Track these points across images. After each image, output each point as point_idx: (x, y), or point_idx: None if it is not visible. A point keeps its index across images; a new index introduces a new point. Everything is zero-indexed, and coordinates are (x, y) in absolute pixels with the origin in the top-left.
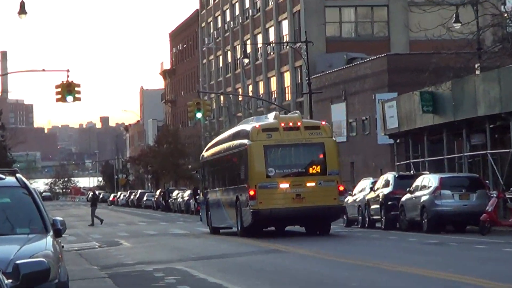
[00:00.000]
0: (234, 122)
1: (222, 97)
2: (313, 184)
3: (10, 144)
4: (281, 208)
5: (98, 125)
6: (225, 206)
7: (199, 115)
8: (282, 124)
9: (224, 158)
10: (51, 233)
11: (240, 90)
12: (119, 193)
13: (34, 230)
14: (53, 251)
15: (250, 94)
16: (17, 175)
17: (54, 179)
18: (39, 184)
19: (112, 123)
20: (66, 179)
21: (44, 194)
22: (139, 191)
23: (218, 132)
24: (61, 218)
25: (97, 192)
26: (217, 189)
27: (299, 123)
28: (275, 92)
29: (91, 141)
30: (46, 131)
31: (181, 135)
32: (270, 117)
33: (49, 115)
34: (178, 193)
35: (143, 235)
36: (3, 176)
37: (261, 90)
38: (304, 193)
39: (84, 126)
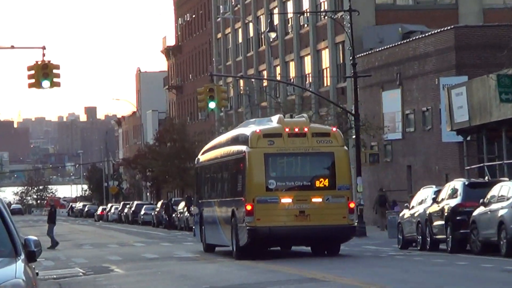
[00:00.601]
0: (257, 114)
1: (241, 82)
2: (319, 199)
3: None
4: (282, 227)
5: (83, 117)
6: (220, 221)
7: (212, 105)
8: (287, 129)
9: (220, 165)
10: (23, 256)
11: (264, 73)
12: (109, 205)
13: (0, 252)
14: (25, 280)
15: (278, 78)
16: None
17: (25, 187)
18: (7, 194)
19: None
20: (41, 187)
21: (13, 206)
22: (135, 202)
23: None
24: (35, 238)
25: (76, 205)
26: (212, 200)
27: (306, 129)
28: (310, 75)
29: (73, 138)
30: (15, 125)
31: (189, 131)
32: (274, 121)
33: (19, 105)
34: (185, 205)
35: (141, 259)
36: None
37: (292, 73)
38: (309, 210)
39: (65, 119)
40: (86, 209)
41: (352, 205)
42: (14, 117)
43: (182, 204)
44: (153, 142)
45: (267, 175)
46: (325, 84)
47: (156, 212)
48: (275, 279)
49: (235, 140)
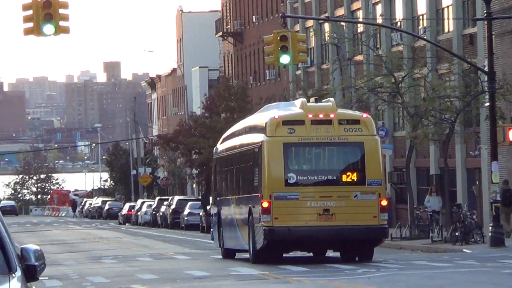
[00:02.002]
0: (348, 72)
1: (327, 27)
2: (346, 196)
3: None
4: (303, 227)
5: (101, 77)
6: (237, 222)
7: (285, 59)
8: (310, 116)
9: (237, 157)
10: (19, 273)
11: (359, 13)
12: (139, 202)
13: None
14: None
15: (379, 20)
16: None
17: (21, 176)
18: None
19: (125, 74)
20: (42, 176)
21: (3, 203)
22: (176, 198)
23: (320, 91)
24: (36, 247)
25: (93, 201)
26: (230, 197)
27: (332, 115)
28: (423, 17)
29: (87, 107)
30: (6, 88)
31: (253, 96)
32: (297, 105)
33: (12, 60)
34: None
35: (184, 279)
36: None
37: (399, 14)
38: (334, 208)
39: (76, 80)
40: (106, 207)
41: (384, 202)
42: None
43: None
44: (202, 112)
45: (286, 168)
46: (446, 30)
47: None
48: None
49: (252, 128)
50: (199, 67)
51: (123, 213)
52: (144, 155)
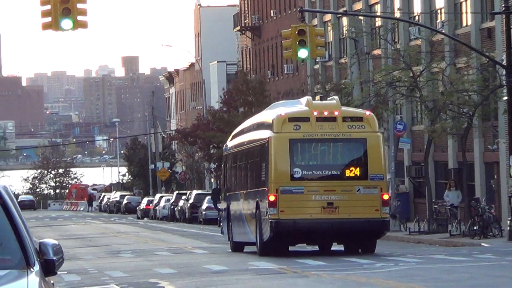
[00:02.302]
0: (366, 66)
1: (345, 21)
2: (350, 190)
3: None
4: (308, 220)
5: (119, 72)
6: (245, 215)
7: (303, 53)
8: (315, 113)
9: (246, 153)
10: (37, 267)
11: (377, 7)
12: (157, 196)
13: (5, 262)
14: None
15: (397, 15)
16: None
17: (39, 170)
18: (13, 180)
19: (143, 69)
20: (61, 170)
21: (22, 198)
22: (194, 192)
23: (338, 85)
24: (54, 242)
25: (111, 195)
26: (238, 192)
27: (336, 112)
28: (441, 11)
29: (106, 101)
30: (24, 82)
31: (271, 90)
32: (303, 103)
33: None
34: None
35: (202, 273)
36: None
37: (417, 8)
38: (338, 201)
39: (94, 75)
40: (125, 201)
41: (386, 196)
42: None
43: None
44: (220, 107)
45: (292, 163)
46: (464, 24)
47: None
48: None
49: (260, 125)
50: (217, 62)
51: (141, 208)
52: (162, 150)
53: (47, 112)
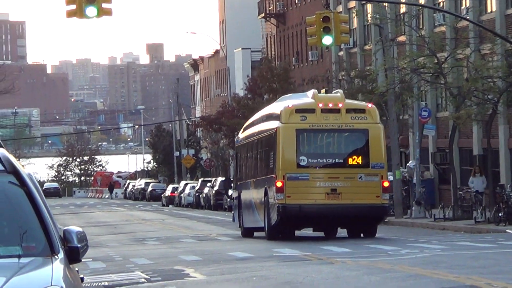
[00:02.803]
0: (390, 53)
1: (369, 8)
2: (352, 178)
3: None
4: (313, 205)
5: (144, 59)
6: (255, 202)
7: (327, 40)
8: (320, 105)
9: (256, 143)
10: (62, 255)
11: None
12: (182, 183)
13: (30, 249)
14: None
15: (421, 1)
16: None
17: (64, 158)
18: (38, 168)
19: (168, 56)
20: (86, 158)
21: (47, 185)
22: (219, 179)
23: (363, 72)
24: (79, 229)
25: (136, 183)
26: (248, 180)
27: (340, 104)
28: None
29: (130, 89)
30: (49, 70)
31: (296, 77)
32: (309, 95)
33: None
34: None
35: (227, 260)
36: None
37: None
38: (341, 188)
39: (119, 62)
40: (149, 188)
41: (386, 184)
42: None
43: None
44: (244, 94)
45: (298, 151)
46: (489, 10)
47: None
48: (423, 287)
49: (269, 116)
50: (242, 49)
51: (166, 195)
52: (187, 137)
53: (72, 100)
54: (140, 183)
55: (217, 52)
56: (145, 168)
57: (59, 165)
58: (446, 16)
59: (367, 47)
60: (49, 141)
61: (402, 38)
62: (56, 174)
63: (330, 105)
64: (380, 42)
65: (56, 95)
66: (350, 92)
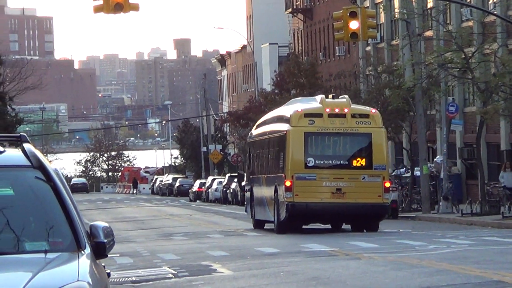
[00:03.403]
0: (417, 48)
1: (396, 2)
2: (356, 178)
3: (13, 90)
4: (319, 203)
5: (171, 54)
6: (266, 197)
7: (354, 35)
8: (327, 110)
9: (267, 142)
10: (88, 250)
11: None
12: (209, 178)
13: (56, 245)
14: (91, 283)
15: None
16: (26, 145)
17: (91, 153)
18: (66, 163)
19: (195, 51)
20: (113, 153)
21: (75, 181)
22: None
23: (390, 67)
24: (105, 224)
25: (163, 178)
26: (260, 176)
27: (346, 110)
28: None
29: (158, 84)
30: (77, 65)
31: (323, 72)
32: (317, 100)
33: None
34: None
35: (255, 255)
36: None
37: None
38: (345, 188)
39: (146, 57)
40: (177, 184)
41: (387, 184)
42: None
43: None
44: (272, 89)
45: (306, 153)
46: None
47: None
48: (450, 282)
49: (279, 119)
50: (269, 44)
51: (193, 190)
52: (215, 132)
53: (100, 95)
54: (167, 178)
55: (244, 47)
56: (173, 164)
57: (86, 161)
58: (473, 11)
59: (394, 42)
60: (77, 137)
61: (429, 33)
62: (84, 169)
63: (337, 110)
64: (407, 37)
65: (83, 90)
66: (377, 87)
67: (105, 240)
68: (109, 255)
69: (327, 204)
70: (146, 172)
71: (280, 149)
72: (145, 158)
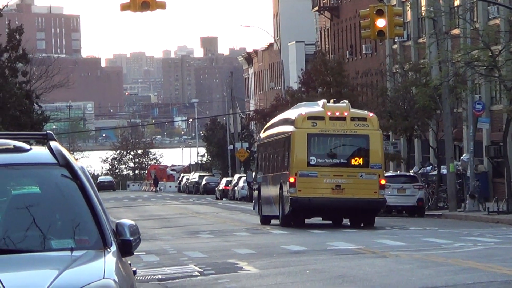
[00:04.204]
0: (444, 46)
1: (423, 0)
2: (354, 176)
3: (39, 88)
4: (320, 198)
5: (198, 52)
6: (272, 193)
7: (381, 33)
8: (329, 113)
9: (273, 143)
10: (114, 248)
11: None
12: (236, 176)
13: (82, 243)
14: (118, 281)
15: None
16: (52, 143)
17: (118, 151)
18: (92, 161)
19: (222, 49)
20: (140, 151)
21: (101, 179)
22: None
23: (417, 65)
24: (131, 222)
25: (190, 176)
26: (267, 175)
27: (345, 113)
28: None
29: (184, 82)
30: (103, 63)
31: (349, 71)
32: (320, 104)
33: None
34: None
35: (281, 253)
36: (26, 146)
37: None
38: (344, 184)
39: (173, 55)
40: (203, 182)
41: (383, 181)
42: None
43: None
44: (298, 87)
45: (309, 152)
46: None
47: None
48: (476, 280)
49: (285, 121)
50: (296, 42)
51: (220, 188)
52: (241, 130)
53: (126, 93)
54: (194, 176)
55: (271, 45)
56: (199, 162)
57: (113, 159)
58: (500, 9)
59: (421, 40)
60: (103, 135)
61: (456, 31)
62: (110, 167)
63: (337, 113)
64: (434, 35)
65: (110, 88)
66: (404, 85)
67: (131, 238)
68: (135, 253)
69: (327, 199)
70: (173, 170)
71: (285, 149)
72: (171, 156)
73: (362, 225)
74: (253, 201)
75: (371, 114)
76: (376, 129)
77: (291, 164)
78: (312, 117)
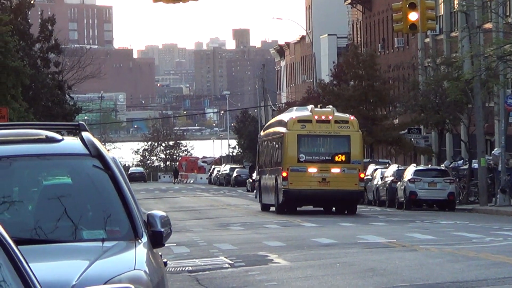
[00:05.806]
0: (477, 40)
1: None
2: (337, 170)
3: (71, 79)
4: (309, 190)
5: (230, 44)
6: (269, 185)
7: (414, 26)
8: (316, 117)
9: (271, 142)
10: (145, 239)
11: None
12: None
13: (114, 233)
14: (148, 272)
15: None
16: (84, 134)
17: (149, 143)
18: (124, 152)
19: (254, 41)
20: (171, 143)
21: (132, 170)
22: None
23: (449, 59)
24: (162, 213)
25: (221, 168)
26: (266, 169)
27: (330, 117)
28: None
29: (216, 74)
30: (135, 55)
31: (382, 64)
32: (309, 109)
33: (141, 28)
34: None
35: (311, 246)
36: (58, 137)
37: None
38: (329, 177)
39: (205, 47)
40: (234, 174)
41: (362, 175)
42: (134, 44)
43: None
44: (330, 80)
45: (299, 150)
46: None
47: None
48: (507, 275)
49: (279, 123)
50: (328, 35)
51: (251, 180)
52: None
53: (158, 85)
54: (225, 168)
55: (303, 38)
56: (230, 154)
57: (144, 150)
58: None
59: (453, 34)
60: (135, 126)
61: (488, 25)
62: (142, 158)
63: (323, 117)
64: (467, 29)
65: (142, 80)
66: (436, 79)
67: (162, 229)
68: (166, 245)
69: (314, 191)
70: (204, 162)
71: (279, 147)
72: (203, 148)
73: (345, 212)
74: (255, 190)
75: (352, 118)
76: (356, 130)
77: (283, 160)
78: (302, 120)
